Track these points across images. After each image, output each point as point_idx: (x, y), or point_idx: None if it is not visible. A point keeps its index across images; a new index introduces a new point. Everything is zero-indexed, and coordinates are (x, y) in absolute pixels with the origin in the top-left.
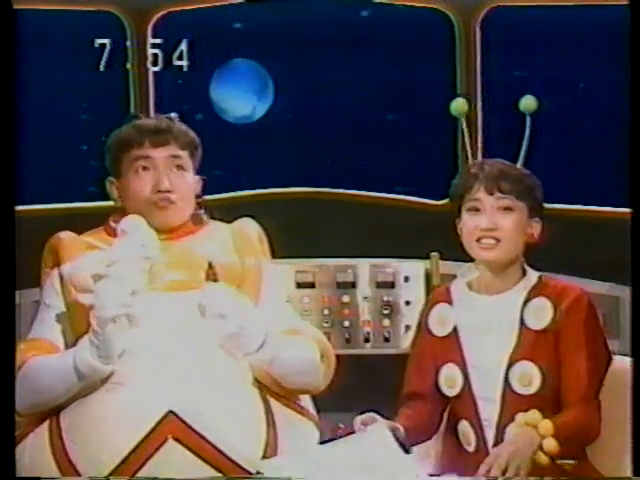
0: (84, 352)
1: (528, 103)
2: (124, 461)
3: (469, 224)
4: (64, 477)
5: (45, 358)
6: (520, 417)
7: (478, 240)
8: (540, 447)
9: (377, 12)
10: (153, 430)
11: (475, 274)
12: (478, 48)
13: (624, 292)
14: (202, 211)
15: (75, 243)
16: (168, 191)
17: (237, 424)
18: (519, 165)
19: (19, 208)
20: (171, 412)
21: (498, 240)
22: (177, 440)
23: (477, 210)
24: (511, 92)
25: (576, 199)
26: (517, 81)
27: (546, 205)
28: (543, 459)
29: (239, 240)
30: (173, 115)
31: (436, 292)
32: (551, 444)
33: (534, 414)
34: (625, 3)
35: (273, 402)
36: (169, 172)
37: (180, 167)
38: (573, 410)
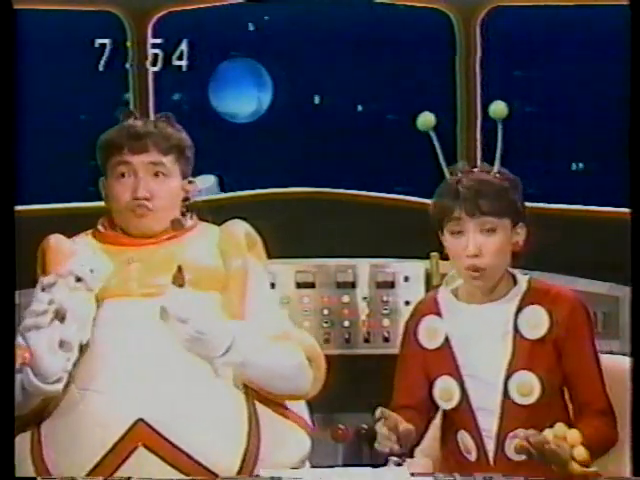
0: (28, 372)
1: (498, 109)
2: (95, 468)
3: (453, 247)
4: (64, 477)
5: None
6: (548, 432)
7: (466, 267)
8: (572, 457)
9: (377, 12)
10: (123, 438)
11: (460, 281)
12: (478, 48)
13: (624, 292)
14: (187, 215)
15: (61, 247)
16: (145, 198)
17: (213, 431)
18: (495, 169)
19: (19, 208)
20: (141, 420)
21: (484, 269)
22: (147, 448)
23: (460, 232)
24: (511, 92)
25: (576, 199)
26: (517, 81)
27: (546, 205)
28: (576, 468)
29: (225, 242)
30: (168, 115)
31: (422, 304)
32: (581, 452)
33: (560, 427)
34: (625, 3)
35: (261, 408)
36: (149, 179)
37: (161, 173)
38: (596, 421)
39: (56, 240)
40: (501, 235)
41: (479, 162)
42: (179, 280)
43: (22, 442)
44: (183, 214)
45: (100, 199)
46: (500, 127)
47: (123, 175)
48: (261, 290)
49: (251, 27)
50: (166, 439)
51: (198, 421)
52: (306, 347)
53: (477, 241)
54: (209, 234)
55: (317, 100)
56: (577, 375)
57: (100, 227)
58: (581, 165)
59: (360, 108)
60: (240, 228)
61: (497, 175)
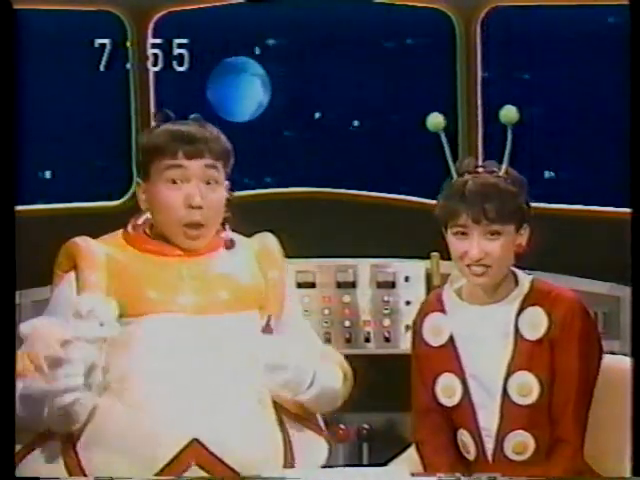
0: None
1: (509, 114)
2: None
3: (457, 248)
4: (67, 477)
5: (36, 385)
6: None
7: (468, 266)
8: None
9: (377, 12)
10: (177, 456)
11: (463, 280)
12: (478, 48)
13: (624, 292)
14: (227, 230)
15: (93, 251)
16: (199, 207)
17: (257, 449)
18: (502, 172)
19: (19, 208)
20: (195, 440)
21: (488, 266)
22: (200, 467)
23: (464, 234)
24: (511, 92)
25: (576, 199)
26: (517, 81)
27: (546, 205)
28: None
29: (262, 256)
30: (198, 116)
31: (428, 301)
32: None
33: None
34: (625, 3)
35: (288, 423)
36: (202, 186)
37: (213, 180)
38: (562, 449)
39: (85, 242)
40: (505, 239)
41: (484, 160)
42: (269, 329)
43: (50, 451)
44: (223, 225)
45: (105, 199)
46: (510, 132)
47: (174, 182)
48: (295, 303)
49: (251, 28)
50: (219, 458)
51: (245, 440)
52: (341, 365)
53: (482, 246)
54: (244, 245)
55: (317, 100)
56: (561, 374)
57: (131, 230)
58: (581, 165)
59: (360, 108)
60: (274, 241)
61: (504, 176)
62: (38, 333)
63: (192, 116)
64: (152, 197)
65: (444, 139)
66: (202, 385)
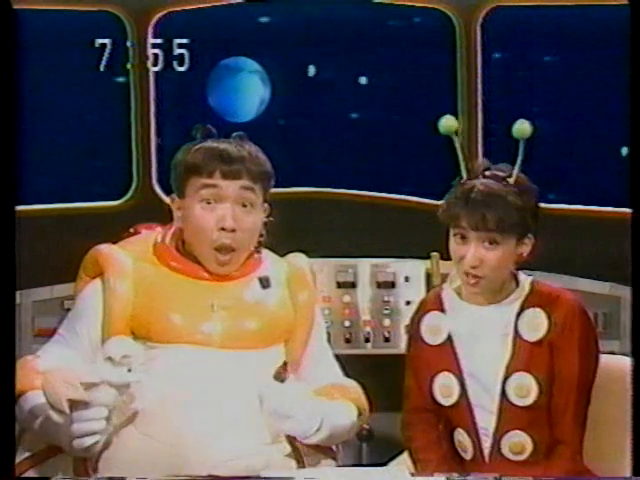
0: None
1: (521, 129)
2: None
3: (455, 251)
4: (70, 477)
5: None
6: None
7: (464, 272)
8: None
9: (377, 12)
10: None
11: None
12: (479, 48)
13: (625, 292)
14: (260, 250)
15: (119, 260)
16: (232, 230)
17: None
18: (512, 180)
19: (19, 208)
20: (210, 476)
21: (482, 277)
22: None
23: (463, 237)
24: (512, 93)
25: (576, 199)
26: (518, 81)
27: (546, 205)
28: None
29: (293, 278)
30: (243, 134)
31: (427, 300)
32: None
33: None
34: (625, 3)
35: (304, 454)
36: (236, 208)
37: (249, 203)
38: (560, 460)
39: (109, 249)
40: (503, 249)
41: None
42: (282, 376)
43: (62, 468)
44: (257, 248)
45: (104, 199)
46: (522, 146)
47: (208, 202)
48: (322, 330)
49: (251, 27)
50: None
51: (257, 475)
52: (357, 401)
53: (478, 253)
54: (276, 268)
55: (317, 100)
56: (560, 376)
57: (160, 242)
58: (581, 165)
59: (360, 108)
60: (306, 262)
61: (512, 185)
62: (60, 374)
63: (235, 134)
64: (186, 216)
65: (457, 142)
66: (219, 420)
